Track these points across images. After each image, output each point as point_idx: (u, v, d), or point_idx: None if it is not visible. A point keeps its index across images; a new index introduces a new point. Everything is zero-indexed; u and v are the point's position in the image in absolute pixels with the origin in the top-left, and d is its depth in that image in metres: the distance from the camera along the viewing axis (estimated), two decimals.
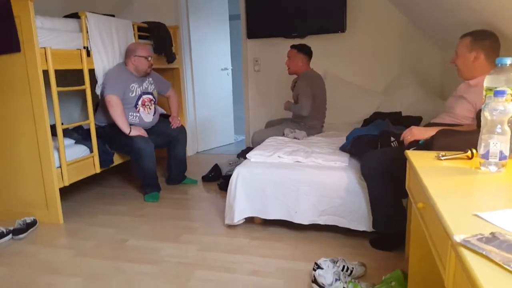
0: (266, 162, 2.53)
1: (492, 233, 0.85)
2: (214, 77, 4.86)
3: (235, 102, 5.41)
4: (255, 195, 2.42)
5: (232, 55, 5.17)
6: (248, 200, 2.44)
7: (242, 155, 3.61)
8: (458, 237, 0.85)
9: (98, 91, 3.07)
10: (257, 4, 4.12)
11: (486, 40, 1.91)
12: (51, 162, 2.60)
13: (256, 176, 2.44)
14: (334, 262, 1.82)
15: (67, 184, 2.73)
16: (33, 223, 2.61)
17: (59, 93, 2.64)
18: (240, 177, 2.45)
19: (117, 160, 3.24)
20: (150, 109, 3.25)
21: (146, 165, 3.07)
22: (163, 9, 4.26)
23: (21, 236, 2.48)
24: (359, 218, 2.22)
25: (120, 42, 3.21)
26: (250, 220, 2.54)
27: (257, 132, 3.40)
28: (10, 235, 2.48)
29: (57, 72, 2.61)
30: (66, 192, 3.05)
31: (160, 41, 3.75)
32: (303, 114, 3.17)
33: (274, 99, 3.57)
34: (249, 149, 3.29)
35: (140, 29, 3.57)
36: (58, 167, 2.67)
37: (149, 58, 3.13)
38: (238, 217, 2.44)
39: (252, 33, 4.22)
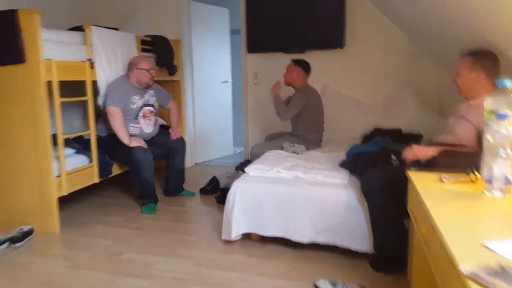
0: (265, 176, 2.49)
1: (501, 266, 0.81)
2: (214, 89, 4.85)
3: (235, 115, 5.39)
4: (253, 210, 2.37)
5: (232, 68, 5.17)
6: (246, 216, 2.38)
7: (240, 168, 3.56)
8: (465, 269, 0.81)
9: (100, 102, 3.04)
10: (257, 19, 4.13)
11: (487, 60, 1.90)
12: (50, 171, 2.55)
13: (254, 191, 2.39)
14: (333, 284, 1.77)
15: (65, 193, 2.68)
16: (30, 232, 2.55)
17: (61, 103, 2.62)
18: (238, 192, 2.40)
19: (115, 170, 3.20)
20: (151, 120, 3.21)
21: (145, 176, 3.02)
22: (166, 23, 4.26)
23: (17, 244, 2.42)
24: (359, 237, 2.17)
25: (123, 54, 3.20)
26: (247, 236, 2.49)
27: (256, 145, 3.37)
28: (7, 243, 2.41)
29: (59, 82, 2.58)
30: (64, 202, 2.98)
31: (162, 54, 3.73)
32: (282, 118, 3.17)
33: (273, 112, 3.56)
34: (247, 162, 3.25)
35: (143, 42, 3.56)
36: (57, 176, 2.63)
37: (151, 71, 3.11)
38: (235, 233, 2.38)
39: (252, 47, 4.21)
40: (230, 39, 5.04)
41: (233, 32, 5.09)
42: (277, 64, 4.13)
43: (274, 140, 3.37)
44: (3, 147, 2.63)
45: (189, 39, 4.41)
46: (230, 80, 5.10)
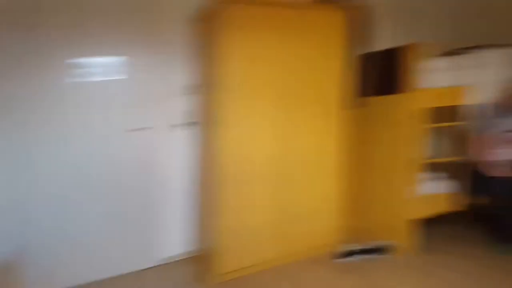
0: None
1: None
2: None
3: None
4: None
5: None
6: None
7: None
8: None
9: (468, 127, 2.72)
10: None
11: None
12: (401, 192, 2.56)
13: None
14: None
15: (416, 217, 2.55)
16: (385, 248, 2.56)
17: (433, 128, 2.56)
18: None
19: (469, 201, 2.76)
20: None
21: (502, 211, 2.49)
22: None
23: (368, 256, 2.49)
24: None
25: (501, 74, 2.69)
26: None
27: None
28: (363, 254, 2.51)
29: (434, 108, 2.52)
30: (421, 225, 2.74)
31: None
32: None
33: None
34: None
35: None
36: (413, 199, 2.53)
37: None
38: None
39: None
40: None
41: None
42: None
43: None
44: (383, 165, 2.71)
45: None
46: None
